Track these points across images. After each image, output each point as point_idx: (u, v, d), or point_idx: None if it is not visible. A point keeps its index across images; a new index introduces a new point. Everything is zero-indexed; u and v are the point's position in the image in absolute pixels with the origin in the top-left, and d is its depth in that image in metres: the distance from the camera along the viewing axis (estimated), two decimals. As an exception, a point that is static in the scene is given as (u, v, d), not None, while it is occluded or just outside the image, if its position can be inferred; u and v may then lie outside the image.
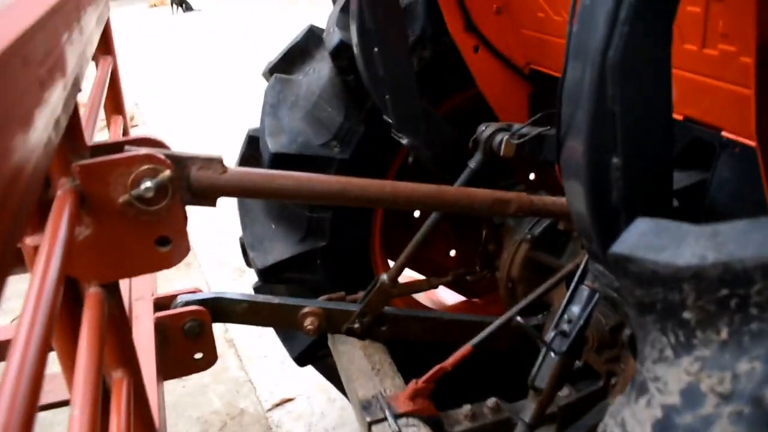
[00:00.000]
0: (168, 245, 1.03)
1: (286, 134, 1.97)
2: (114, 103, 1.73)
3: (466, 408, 1.62)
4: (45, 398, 1.37)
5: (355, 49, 1.77)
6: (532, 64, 1.94)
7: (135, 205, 0.97)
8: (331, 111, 1.95)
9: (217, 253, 3.96)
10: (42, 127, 0.53)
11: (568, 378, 1.53)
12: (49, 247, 0.66)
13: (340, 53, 1.92)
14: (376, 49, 1.70)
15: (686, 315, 0.55)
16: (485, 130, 1.76)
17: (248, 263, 2.19)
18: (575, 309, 1.42)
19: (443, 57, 1.94)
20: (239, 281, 3.64)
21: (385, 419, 1.52)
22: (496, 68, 1.95)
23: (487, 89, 1.97)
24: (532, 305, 1.71)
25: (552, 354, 1.41)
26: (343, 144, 1.95)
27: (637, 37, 0.82)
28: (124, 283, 1.48)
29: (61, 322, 0.92)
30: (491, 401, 1.62)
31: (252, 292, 2.12)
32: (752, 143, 1.15)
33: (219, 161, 1.11)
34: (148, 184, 0.98)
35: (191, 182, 1.08)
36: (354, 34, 1.74)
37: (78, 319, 0.87)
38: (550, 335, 1.43)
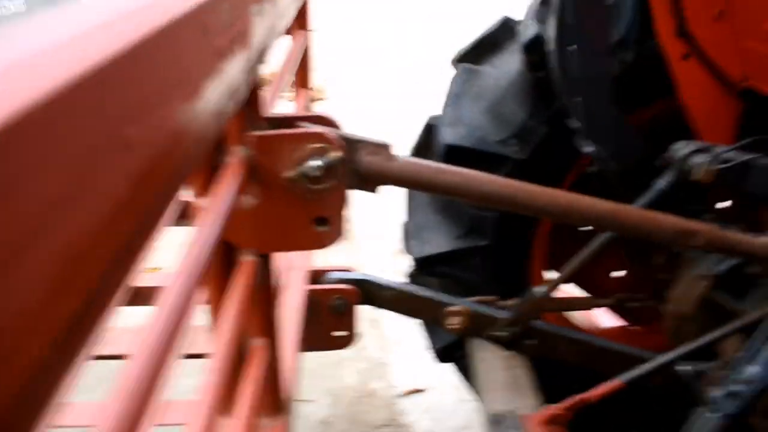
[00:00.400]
0: (325, 226, 1.01)
1: (464, 126, 1.90)
2: (302, 77, 1.76)
3: None
4: (195, 348, 1.43)
5: (551, 45, 1.66)
6: (750, 80, 1.71)
7: (300, 182, 0.96)
8: (514, 107, 1.86)
9: (376, 232, 3.99)
10: (214, 96, 0.52)
11: None
12: (211, 208, 0.68)
13: (534, 48, 1.80)
14: (573, 47, 1.58)
15: None
16: (682, 148, 1.59)
17: (407, 250, 2.18)
18: (754, 369, 1.26)
19: (646, 62, 1.77)
20: (394, 264, 3.65)
21: None
22: (705, 81, 1.74)
23: (692, 103, 1.77)
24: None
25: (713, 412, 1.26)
26: (522, 144, 1.85)
27: None
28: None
29: (215, 282, 0.93)
30: None
31: (400, 278, 2.10)
32: None
33: (388, 148, 1.07)
34: (317, 162, 0.96)
35: (359, 166, 1.06)
36: (552, 28, 1.63)
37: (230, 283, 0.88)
38: (716, 391, 1.28)
